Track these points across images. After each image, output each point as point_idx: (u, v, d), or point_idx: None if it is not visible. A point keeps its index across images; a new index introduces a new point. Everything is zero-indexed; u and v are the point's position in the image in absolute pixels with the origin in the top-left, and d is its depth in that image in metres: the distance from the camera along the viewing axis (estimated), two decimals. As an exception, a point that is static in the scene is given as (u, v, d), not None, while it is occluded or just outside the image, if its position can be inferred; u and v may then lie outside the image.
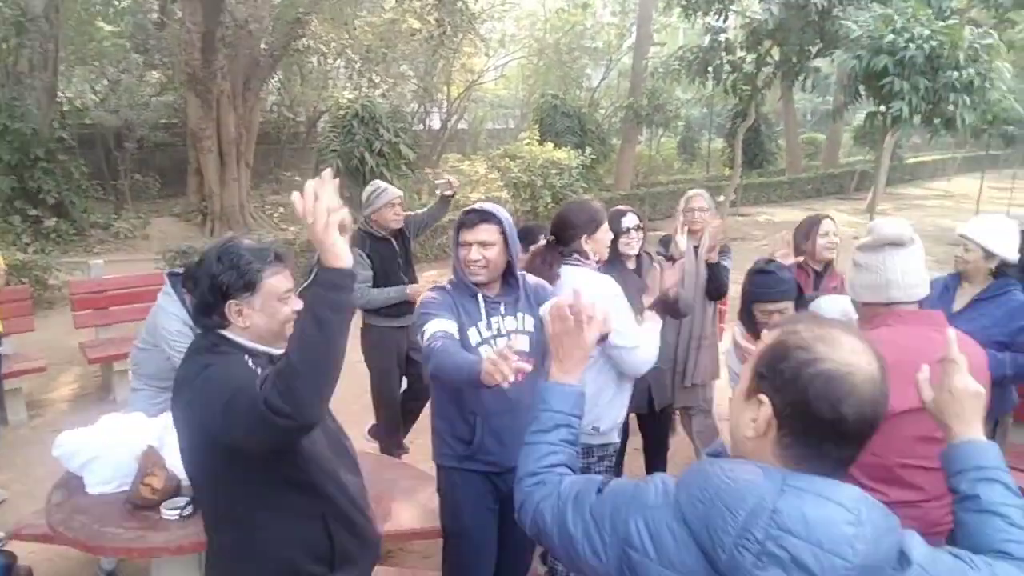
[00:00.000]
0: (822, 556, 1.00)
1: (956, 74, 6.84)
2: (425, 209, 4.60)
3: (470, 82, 19.07)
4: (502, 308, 2.40)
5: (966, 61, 6.84)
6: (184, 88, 11.59)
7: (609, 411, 2.75)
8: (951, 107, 7.03)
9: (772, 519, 1.02)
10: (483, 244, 2.31)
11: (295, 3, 11.70)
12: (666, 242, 3.79)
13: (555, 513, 1.30)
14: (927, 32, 6.89)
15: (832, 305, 2.81)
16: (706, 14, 11.79)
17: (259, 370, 1.66)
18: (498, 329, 2.37)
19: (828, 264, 3.56)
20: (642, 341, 2.62)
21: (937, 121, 7.31)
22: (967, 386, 1.36)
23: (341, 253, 1.50)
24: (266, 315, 1.72)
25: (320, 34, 12.69)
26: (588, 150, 10.46)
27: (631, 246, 3.37)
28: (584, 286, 2.67)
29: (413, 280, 4.13)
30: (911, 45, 6.84)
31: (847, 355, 1.06)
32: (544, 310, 2.10)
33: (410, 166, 9.69)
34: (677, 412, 3.96)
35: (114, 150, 12.43)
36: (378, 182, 4.18)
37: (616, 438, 2.86)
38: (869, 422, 1.07)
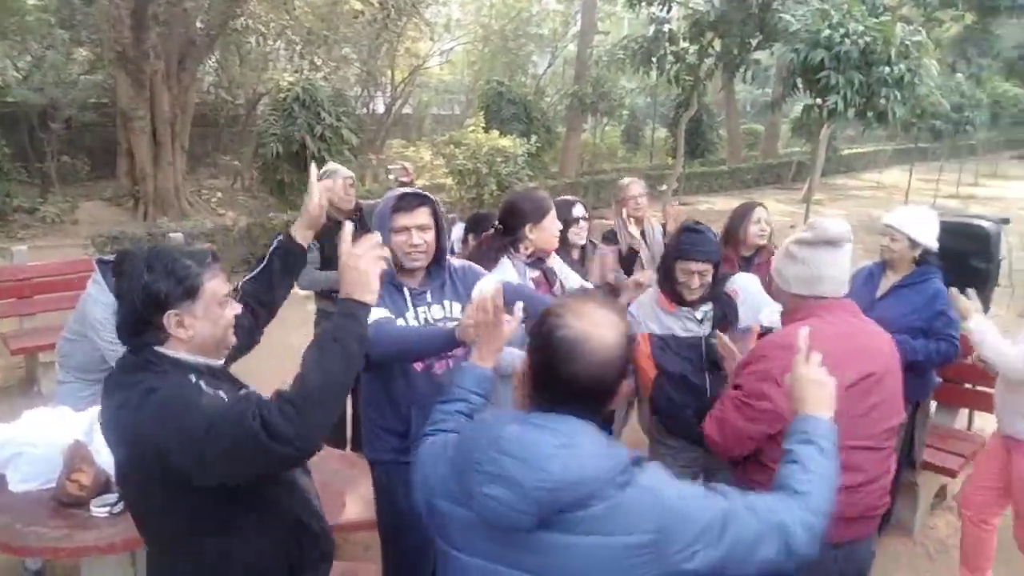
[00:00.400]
0: (526, 470, 1.20)
1: (888, 70, 7.03)
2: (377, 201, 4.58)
3: (415, 67, 18.82)
4: (428, 296, 2.34)
5: (897, 57, 7.05)
6: (113, 67, 11.10)
7: None
8: (883, 101, 7.23)
9: (496, 443, 1.24)
10: (421, 228, 2.25)
11: (233, -20, 11.34)
12: (610, 237, 3.82)
13: (427, 456, 1.47)
14: (861, 28, 7.07)
15: (747, 281, 2.90)
16: (650, 4, 11.88)
17: (213, 391, 1.56)
18: (425, 319, 2.31)
19: (758, 250, 3.63)
20: None
21: (870, 115, 7.51)
22: (808, 375, 1.58)
23: (374, 288, 1.57)
24: (209, 322, 1.60)
25: (259, 14, 12.31)
26: (534, 138, 10.46)
27: (580, 235, 3.40)
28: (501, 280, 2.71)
29: None
30: (846, 40, 7.01)
31: (587, 324, 1.28)
32: (476, 292, 2.07)
33: (353, 151, 9.52)
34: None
35: (39, 130, 11.82)
36: (331, 163, 4.24)
37: None
38: (599, 382, 1.28)
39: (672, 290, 2.70)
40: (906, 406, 2.95)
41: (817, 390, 1.57)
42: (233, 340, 1.71)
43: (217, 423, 1.42)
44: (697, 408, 2.50)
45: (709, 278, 2.68)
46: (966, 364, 3.60)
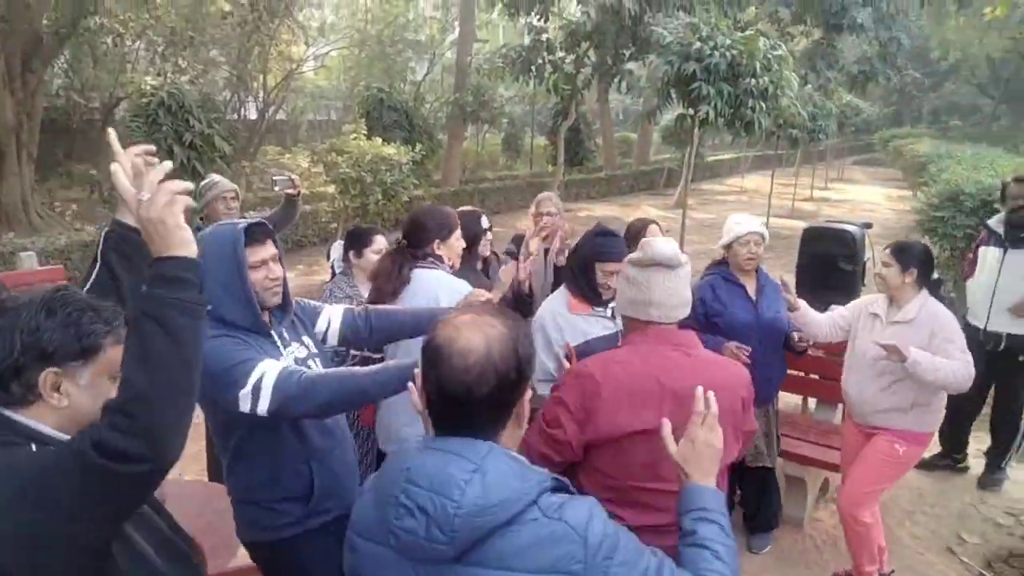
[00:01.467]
0: (436, 499, 1.15)
1: (754, 81, 7.47)
2: (270, 212, 4.26)
3: (289, 71, 18.16)
4: (286, 335, 2.10)
5: (762, 70, 7.50)
6: (-55, 67, 9.99)
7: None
8: (750, 111, 7.67)
9: (406, 475, 1.19)
10: (275, 259, 2.03)
11: (83, -24, 10.49)
12: (518, 240, 3.82)
13: None
14: (728, 42, 7.47)
15: None
16: (527, 14, 12.06)
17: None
18: (295, 361, 2.04)
19: None
20: None
21: (738, 124, 7.94)
22: (708, 441, 1.48)
23: (186, 238, 1.25)
24: (92, 395, 1.30)
25: (116, 12, 11.46)
26: (418, 146, 10.33)
27: (485, 247, 3.38)
28: (440, 289, 2.65)
29: None
30: (715, 53, 7.37)
31: (450, 331, 1.23)
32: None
33: (226, 159, 9.02)
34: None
35: None
36: (212, 175, 4.00)
37: None
38: (462, 386, 1.19)
39: (592, 292, 2.73)
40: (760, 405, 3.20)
41: (712, 456, 1.48)
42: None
43: (44, 477, 1.14)
44: None
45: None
46: (810, 356, 3.86)
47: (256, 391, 1.81)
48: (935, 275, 3.23)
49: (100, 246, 1.62)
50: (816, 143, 14.58)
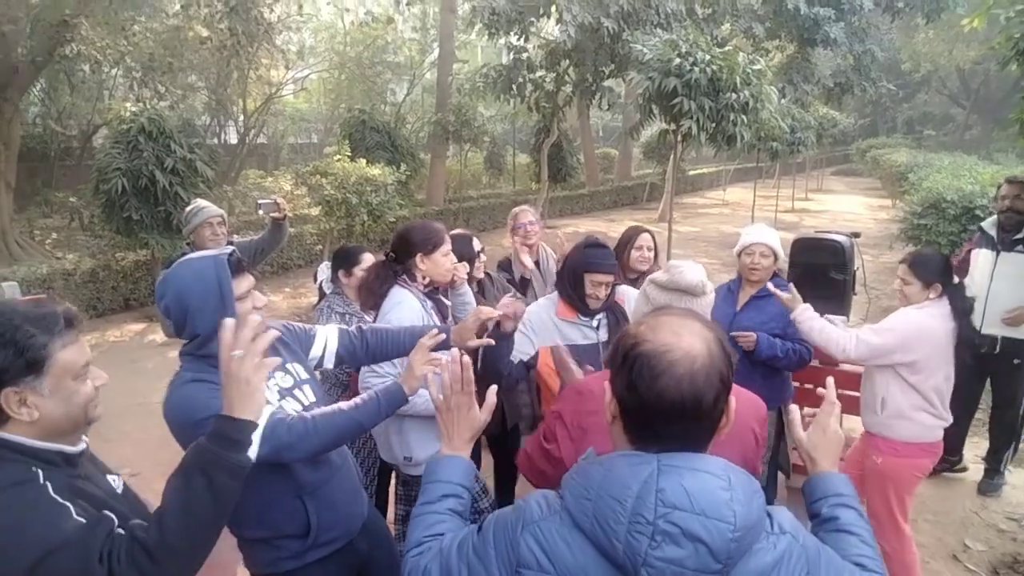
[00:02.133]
0: (708, 523, 1.05)
1: (734, 96, 7.54)
2: (257, 236, 4.20)
3: (268, 95, 18.13)
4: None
5: (742, 85, 7.58)
6: (-80, 97, 9.86)
7: (424, 442, 2.71)
8: (732, 125, 7.74)
9: (658, 498, 1.06)
10: (255, 288, 2.00)
11: (59, 4, 10.38)
12: (505, 266, 3.80)
13: (441, 566, 1.26)
14: (708, 57, 7.54)
15: (629, 291, 3.04)
16: (507, 33, 12.14)
17: (63, 500, 1.24)
18: (279, 392, 1.99)
19: (640, 276, 3.70)
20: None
21: (720, 138, 8.01)
22: (837, 430, 1.47)
23: (259, 402, 1.29)
24: (60, 399, 1.33)
25: (93, 39, 11.37)
26: (403, 166, 10.31)
27: (479, 269, 3.38)
28: (398, 306, 2.63)
29: None
30: (696, 68, 7.44)
31: (666, 336, 1.14)
32: (432, 383, 1.77)
33: (208, 184, 8.94)
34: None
35: None
36: (198, 201, 3.93)
37: None
38: (688, 397, 1.11)
39: (580, 302, 2.78)
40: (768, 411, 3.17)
41: (839, 444, 1.48)
42: (98, 415, 1.44)
43: (55, 554, 1.14)
44: None
45: (610, 289, 2.83)
46: (824, 368, 3.86)
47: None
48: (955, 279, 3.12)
49: None
50: (795, 155, 14.74)
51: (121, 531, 1.25)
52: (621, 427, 1.21)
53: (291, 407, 1.98)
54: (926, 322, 2.97)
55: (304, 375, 2.11)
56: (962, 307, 3.01)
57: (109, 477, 1.53)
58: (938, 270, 3.01)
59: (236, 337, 1.33)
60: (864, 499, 3.11)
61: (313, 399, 2.07)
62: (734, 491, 1.09)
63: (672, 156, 9.85)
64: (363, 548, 2.17)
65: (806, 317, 3.03)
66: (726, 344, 1.19)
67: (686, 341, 1.13)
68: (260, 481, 1.88)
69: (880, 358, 3.01)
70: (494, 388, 1.55)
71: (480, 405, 1.54)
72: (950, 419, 3.10)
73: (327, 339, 2.26)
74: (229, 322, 1.36)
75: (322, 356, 2.24)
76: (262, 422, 1.73)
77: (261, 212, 4.00)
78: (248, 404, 1.30)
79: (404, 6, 17.48)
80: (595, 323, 2.82)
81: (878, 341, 2.96)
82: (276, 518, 1.98)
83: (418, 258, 2.75)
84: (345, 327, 2.35)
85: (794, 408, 1.54)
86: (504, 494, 3.54)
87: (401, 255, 2.77)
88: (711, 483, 1.09)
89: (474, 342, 2.32)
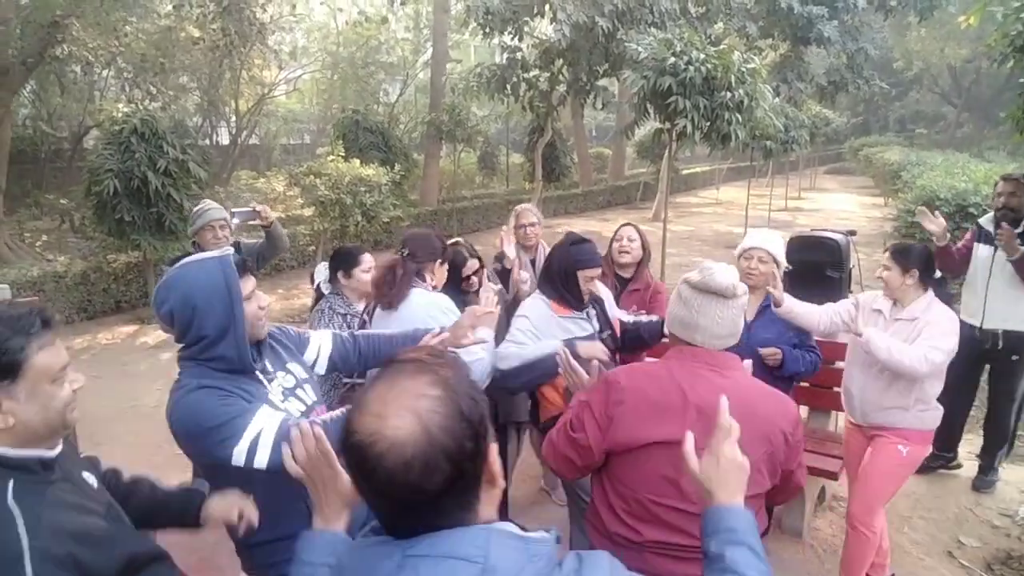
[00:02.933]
0: None
1: (729, 94, 7.54)
2: (258, 242, 4.08)
3: (261, 96, 18.07)
4: (269, 367, 2.02)
5: (736, 83, 7.58)
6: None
7: None
8: (726, 124, 7.74)
9: None
10: (255, 288, 1.97)
11: (49, 5, 10.31)
12: (500, 257, 3.80)
13: None
14: (702, 56, 7.54)
15: (601, 286, 3.11)
16: (501, 33, 12.12)
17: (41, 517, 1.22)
18: (283, 392, 1.98)
19: (622, 268, 3.66)
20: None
21: (715, 136, 8.01)
22: (734, 457, 1.34)
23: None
24: (38, 405, 1.30)
25: (84, 40, 11.30)
26: (397, 166, 10.28)
27: (482, 276, 3.40)
28: (440, 312, 2.67)
29: None
30: (691, 67, 7.44)
31: (369, 422, 0.95)
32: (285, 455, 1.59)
33: (200, 185, 8.89)
34: (527, 428, 3.85)
35: None
36: (206, 202, 3.80)
37: None
38: (408, 490, 0.93)
39: (576, 299, 2.88)
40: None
41: (738, 474, 1.34)
42: (75, 419, 1.40)
43: None
44: None
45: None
46: (833, 369, 3.85)
47: (253, 447, 1.75)
48: (937, 274, 3.22)
49: None
50: (789, 153, 14.77)
51: None
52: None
53: (295, 407, 1.98)
54: (953, 316, 3.07)
55: (303, 375, 2.11)
56: (941, 295, 3.15)
57: (84, 474, 1.50)
58: (917, 259, 3.08)
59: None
60: (864, 487, 3.16)
61: (314, 398, 2.08)
62: (493, 572, 0.93)
63: (666, 155, 9.86)
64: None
65: (875, 336, 2.99)
66: (459, 393, 0.98)
67: (391, 425, 0.93)
68: (269, 484, 1.88)
69: (947, 362, 3.04)
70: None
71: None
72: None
73: (321, 344, 2.26)
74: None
75: (315, 360, 2.24)
76: (274, 427, 1.75)
77: (237, 222, 3.74)
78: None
79: (397, 6, 17.43)
80: (586, 314, 2.93)
81: (949, 347, 2.98)
82: (282, 521, 1.94)
83: (436, 264, 2.91)
84: (339, 332, 2.35)
85: (688, 436, 1.40)
86: None
87: (423, 257, 2.88)
88: (462, 571, 0.93)
89: (468, 340, 2.32)
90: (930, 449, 3.33)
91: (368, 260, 3.35)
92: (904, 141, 26.82)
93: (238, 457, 1.75)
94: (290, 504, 1.94)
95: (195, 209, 3.79)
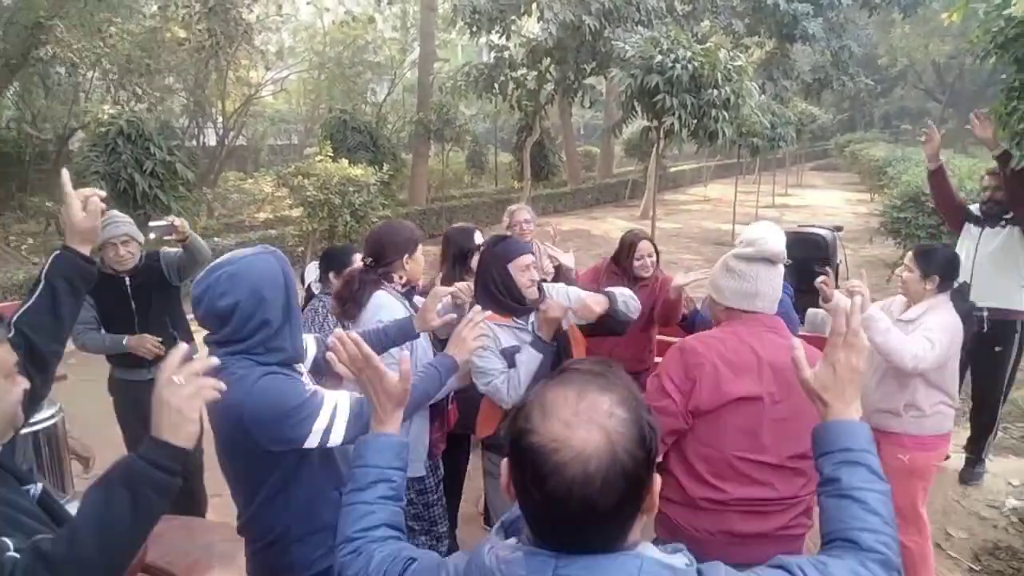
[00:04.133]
0: None
1: (716, 92, 7.58)
2: (179, 252, 3.61)
3: (247, 96, 17.98)
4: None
5: (723, 81, 7.63)
6: None
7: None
8: (713, 121, 7.79)
9: None
10: None
11: (33, 6, 10.22)
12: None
13: None
14: (689, 54, 7.58)
15: (559, 291, 2.85)
16: (488, 32, 12.13)
17: None
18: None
19: (644, 281, 3.65)
20: None
21: (702, 134, 8.06)
22: (851, 363, 1.24)
23: (192, 433, 1.24)
24: None
25: (69, 41, 11.22)
26: (385, 166, 10.28)
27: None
28: (382, 310, 2.59)
29: (164, 330, 3.54)
30: (677, 65, 7.48)
31: (555, 427, 0.93)
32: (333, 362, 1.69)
33: (187, 186, 8.85)
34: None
35: None
36: (112, 213, 3.40)
37: (422, 471, 2.78)
38: (581, 505, 0.92)
39: (514, 299, 2.62)
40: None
41: (855, 382, 1.25)
42: (21, 419, 1.39)
43: None
44: None
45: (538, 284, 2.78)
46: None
47: (330, 424, 1.81)
48: (959, 280, 3.12)
49: (46, 268, 1.64)
50: (775, 150, 14.86)
51: (15, 554, 1.14)
52: (522, 516, 1.04)
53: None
54: (957, 320, 2.97)
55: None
56: (961, 309, 3.02)
57: (25, 487, 1.47)
58: (940, 264, 2.99)
59: (178, 364, 1.27)
60: None
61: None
62: None
63: (654, 153, 9.90)
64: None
65: (882, 322, 2.82)
66: (642, 418, 0.97)
67: (579, 436, 0.92)
68: (313, 471, 1.94)
69: (935, 366, 2.91)
70: (405, 355, 1.49)
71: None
72: (958, 403, 3.13)
73: (307, 346, 2.26)
74: (182, 347, 1.31)
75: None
76: (347, 405, 1.82)
77: (152, 236, 3.38)
78: (178, 431, 1.23)
79: (384, 5, 17.40)
80: (528, 324, 2.65)
81: (938, 351, 2.85)
82: (319, 509, 1.98)
83: (404, 259, 2.73)
84: (319, 336, 2.36)
85: (797, 342, 1.37)
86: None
87: (384, 259, 2.72)
88: None
89: (436, 322, 2.35)
90: (945, 454, 3.17)
91: (360, 259, 3.35)
92: (890, 137, 27.05)
93: (314, 437, 1.79)
94: (327, 494, 1.99)
95: (104, 220, 3.47)
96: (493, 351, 2.56)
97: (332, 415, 1.81)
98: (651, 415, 1.00)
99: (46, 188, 13.62)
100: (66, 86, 13.84)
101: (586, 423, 0.93)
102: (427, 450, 2.80)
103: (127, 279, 3.49)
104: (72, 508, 2.23)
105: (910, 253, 3.09)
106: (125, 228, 3.41)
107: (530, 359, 2.53)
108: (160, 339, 3.50)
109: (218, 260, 1.89)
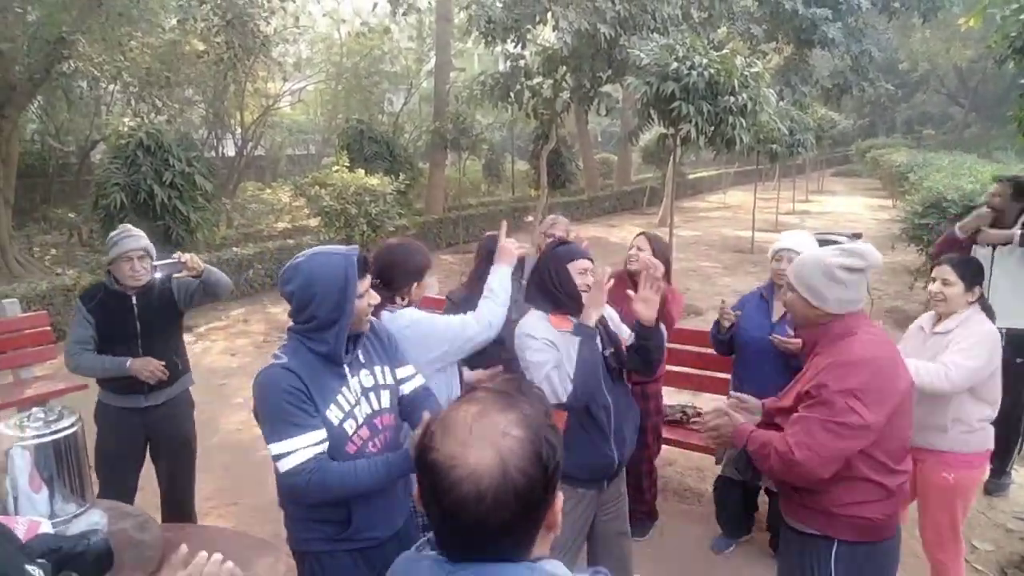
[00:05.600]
0: None
1: (733, 99, 7.52)
2: (195, 282, 3.47)
3: (265, 107, 18.17)
4: (361, 358, 2.14)
5: (740, 88, 7.56)
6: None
7: None
8: (730, 128, 7.72)
9: None
10: (369, 288, 2.09)
11: (56, 21, 10.41)
12: (492, 240, 3.81)
13: None
14: (705, 61, 7.53)
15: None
16: (504, 41, 12.14)
17: None
18: (358, 392, 2.07)
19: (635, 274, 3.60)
20: None
21: (719, 141, 7.99)
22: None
23: None
24: None
25: (90, 55, 11.40)
26: (401, 176, 10.32)
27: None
28: (398, 329, 2.51)
29: (167, 354, 3.37)
30: (693, 72, 7.43)
31: (452, 446, 0.97)
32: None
33: (206, 197, 8.94)
34: None
35: None
36: (124, 227, 3.33)
37: None
38: (474, 520, 0.95)
39: (572, 300, 2.65)
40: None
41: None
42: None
43: None
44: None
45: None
46: None
47: (282, 455, 1.91)
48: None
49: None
50: (795, 157, 14.72)
51: None
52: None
53: (363, 409, 2.08)
54: (994, 330, 2.93)
55: (386, 380, 2.17)
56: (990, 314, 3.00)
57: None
58: (977, 273, 2.96)
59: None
60: (924, 518, 3.09)
61: (386, 406, 2.15)
62: None
63: (671, 160, 9.84)
64: (391, 554, 2.16)
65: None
66: (540, 438, 0.99)
67: (474, 455, 0.95)
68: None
69: (977, 380, 2.90)
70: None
71: None
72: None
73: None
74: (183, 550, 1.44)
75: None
76: (295, 460, 1.88)
77: (159, 275, 3.26)
78: None
79: (400, 16, 17.51)
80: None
81: (975, 364, 2.84)
82: (395, 515, 2.16)
83: (414, 286, 2.65)
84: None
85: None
86: None
87: (396, 283, 2.62)
88: None
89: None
90: (986, 472, 3.12)
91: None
92: (911, 142, 26.72)
93: (271, 451, 1.91)
94: (401, 500, 2.17)
95: (111, 235, 3.31)
96: (545, 343, 2.56)
97: (288, 452, 1.90)
98: (553, 433, 1.02)
99: (69, 200, 13.84)
100: (88, 99, 14.09)
101: (479, 442, 0.96)
102: None
103: (133, 297, 3.31)
104: (89, 517, 2.26)
105: (944, 267, 2.99)
106: (142, 243, 3.27)
107: (568, 343, 2.53)
108: (163, 363, 3.32)
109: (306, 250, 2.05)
